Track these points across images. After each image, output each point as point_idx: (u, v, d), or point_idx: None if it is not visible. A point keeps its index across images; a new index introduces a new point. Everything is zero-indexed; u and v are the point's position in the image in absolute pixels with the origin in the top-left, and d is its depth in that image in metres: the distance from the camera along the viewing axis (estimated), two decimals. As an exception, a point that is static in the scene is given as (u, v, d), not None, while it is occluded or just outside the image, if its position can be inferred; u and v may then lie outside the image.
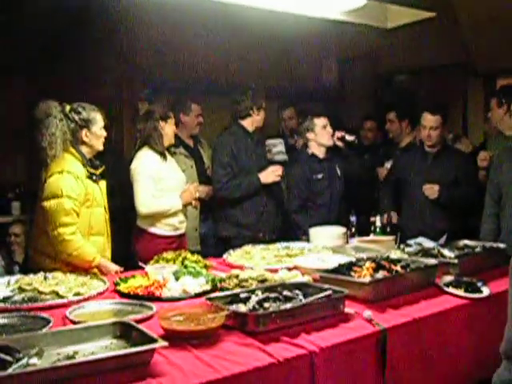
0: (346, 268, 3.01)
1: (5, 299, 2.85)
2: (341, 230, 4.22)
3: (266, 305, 2.46)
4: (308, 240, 4.25)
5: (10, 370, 1.79)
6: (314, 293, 2.60)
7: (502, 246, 3.61)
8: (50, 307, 2.71)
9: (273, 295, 2.55)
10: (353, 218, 4.50)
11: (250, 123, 4.68)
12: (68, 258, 3.44)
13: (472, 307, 2.88)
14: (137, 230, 4.22)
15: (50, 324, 2.36)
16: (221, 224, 4.76)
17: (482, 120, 6.35)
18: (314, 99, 7.06)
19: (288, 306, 2.45)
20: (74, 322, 2.43)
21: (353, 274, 2.93)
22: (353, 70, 7.51)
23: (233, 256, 3.84)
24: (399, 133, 5.77)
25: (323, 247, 3.92)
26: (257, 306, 2.45)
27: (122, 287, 3.00)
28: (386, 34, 4.65)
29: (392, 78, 7.45)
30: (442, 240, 4.07)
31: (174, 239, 4.21)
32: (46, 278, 3.14)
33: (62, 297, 2.86)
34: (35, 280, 3.10)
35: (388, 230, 4.31)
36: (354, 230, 4.39)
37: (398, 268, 3.00)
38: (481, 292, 2.98)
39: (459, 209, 4.57)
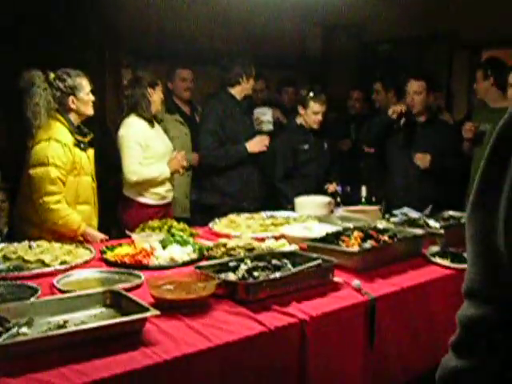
0: (334, 237, 3.01)
1: (-10, 268, 2.82)
2: (326, 199, 4.22)
3: (256, 273, 2.45)
4: (293, 209, 4.23)
5: (0, 340, 1.78)
6: (303, 262, 2.60)
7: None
8: (37, 276, 2.67)
9: (262, 264, 2.54)
10: (338, 188, 4.51)
11: (239, 91, 4.61)
12: (53, 227, 3.41)
13: (458, 277, 2.90)
14: (123, 199, 4.17)
15: (38, 293, 2.33)
16: (206, 192, 4.73)
17: (466, 92, 6.36)
18: (297, 67, 7.01)
19: (278, 274, 2.45)
20: (61, 291, 2.41)
21: (341, 243, 2.94)
22: (338, 38, 7.44)
23: (218, 225, 3.81)
24: (385, 103, 5.73)
25: (309, 216, 3.90)
26: (246, 275, 2.44)
27: (109, 255, 2.97)
28: (372, 2, 4.60)
29: (377, 47, 7.39)
30: (427, 210, 4.07)
31: (160, 208, 4.18)
32: (30, 247, 3.08)
33: (48, 265, 2.81)
34: (20, 248, 3.04)
35: (373, 199, 4.31)
36: (339, 199, 4.39)
37: (386, 238, 3.00)
38: (466, 262, 2.99)
39: (446, 179, 4.56)
